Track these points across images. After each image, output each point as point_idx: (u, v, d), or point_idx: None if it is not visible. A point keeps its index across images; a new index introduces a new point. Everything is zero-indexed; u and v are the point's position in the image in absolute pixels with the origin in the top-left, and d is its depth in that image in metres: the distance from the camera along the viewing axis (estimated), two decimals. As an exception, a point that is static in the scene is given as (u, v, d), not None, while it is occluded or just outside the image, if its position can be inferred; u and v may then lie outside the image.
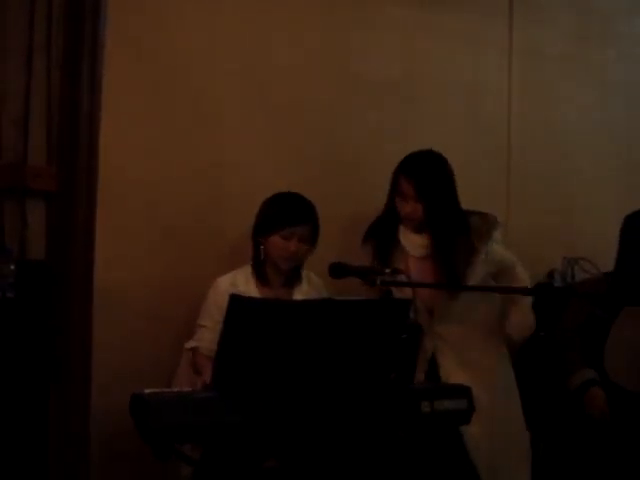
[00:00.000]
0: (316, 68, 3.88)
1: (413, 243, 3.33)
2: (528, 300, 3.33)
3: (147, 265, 3.53)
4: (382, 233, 3.37)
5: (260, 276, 3.30)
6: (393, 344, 2.63)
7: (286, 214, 3.25)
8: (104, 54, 2.14)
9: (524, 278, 3.36)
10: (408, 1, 4.04)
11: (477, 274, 3.26)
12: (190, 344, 3.25)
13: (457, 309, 3.29)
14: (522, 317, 3.33)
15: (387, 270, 2.90)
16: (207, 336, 3.19)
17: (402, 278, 2.98)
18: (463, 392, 2.75)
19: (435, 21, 4.11)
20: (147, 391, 2.46)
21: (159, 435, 2.37)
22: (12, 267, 3.04)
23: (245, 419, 2.43)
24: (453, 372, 3.22)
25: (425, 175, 3.25)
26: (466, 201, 3.39)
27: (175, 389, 2.88)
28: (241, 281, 3.27)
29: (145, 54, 3.51)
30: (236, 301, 2.45)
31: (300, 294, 3.31)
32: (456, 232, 3.27)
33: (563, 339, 3.57)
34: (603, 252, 3.78)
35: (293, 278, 3.34)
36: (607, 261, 3.61)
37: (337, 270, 2.93)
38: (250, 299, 2.60)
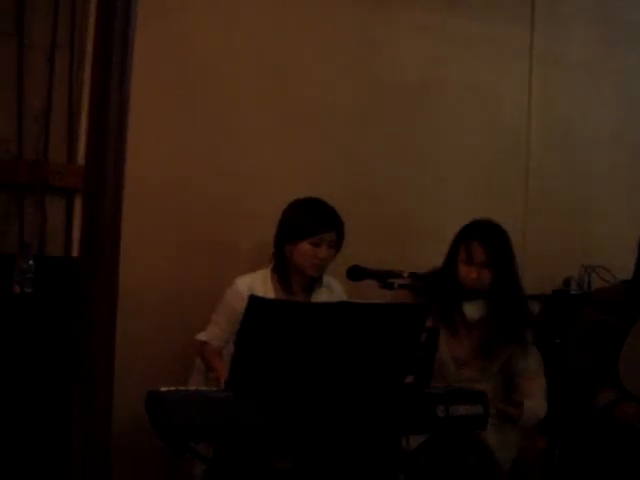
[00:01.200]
0: (337, 72, 3.87)
1: (470, 310, 3.29)
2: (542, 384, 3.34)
3: (164, 266, 3.54)
4: (444, 298, 3.26)
5: (283, 282, 3.28)
6: (410, 348, 2.63)
7: (315, 220, 3.22)
8: (133, 53, 2.15)
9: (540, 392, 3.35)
10: (431, 7, 4.03)
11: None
12: (202, 337, 3.26)
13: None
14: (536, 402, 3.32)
15: (405, 274, 2.89)
16: (219, 334, 3.21)
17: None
18: (479, 398, 2.75)
19: (457, 27, 4.10)
20: (163, 389, 2.46)
21: (174, 433, 2.38)
22: (31, 263, 3.07)
23: (260, 419, 2.44)
24: None
25: (499, 243, 3.24)
26: (484, 207, 3.38)
27: (191, 388, 2.88)
28: (259, 285, 3.25)
29: (168, 56, 3.53)
30: (255, 302, 2.45)
31: (318, 300, 3.30)
32: (515, 302, 3.26)
33: (578, 347, 3.56)
34: (621, 260, 3.77)
35: (314, 283, 3.31)
36: (625, 269, 3.60)
37: (355, 273, 2.93)
38: (268, 300, 2.60)
